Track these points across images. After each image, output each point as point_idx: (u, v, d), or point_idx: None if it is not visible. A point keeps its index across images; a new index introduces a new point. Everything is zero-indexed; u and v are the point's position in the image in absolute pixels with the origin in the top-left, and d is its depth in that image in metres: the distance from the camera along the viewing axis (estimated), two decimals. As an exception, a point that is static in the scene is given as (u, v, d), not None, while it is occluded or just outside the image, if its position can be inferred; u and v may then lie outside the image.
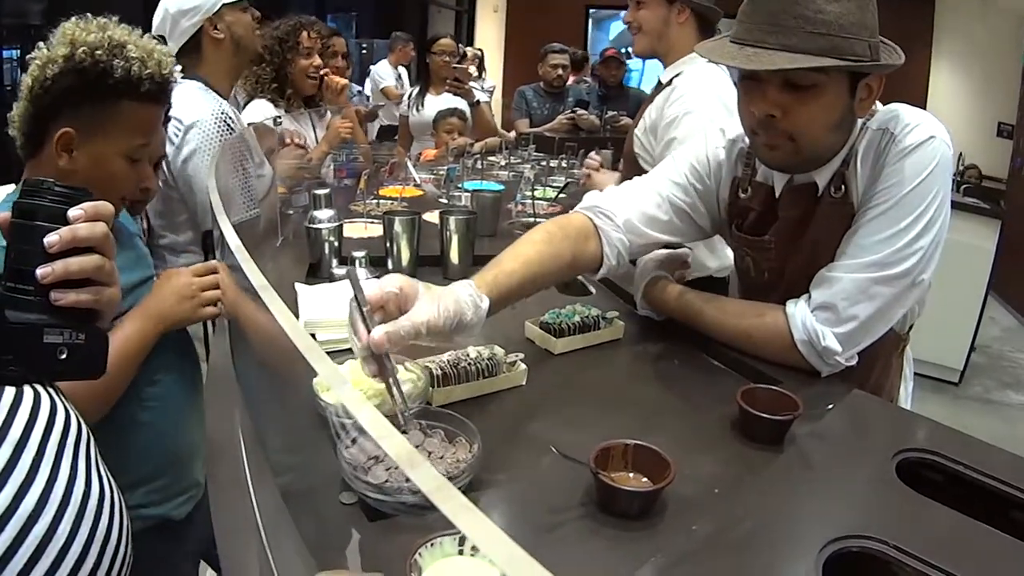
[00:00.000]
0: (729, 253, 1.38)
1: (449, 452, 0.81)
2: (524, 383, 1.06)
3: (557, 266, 1.07)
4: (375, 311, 0.79)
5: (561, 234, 1.11)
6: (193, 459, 1.22)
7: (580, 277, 1.36)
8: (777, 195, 1.14)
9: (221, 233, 0.77)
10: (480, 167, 2.73)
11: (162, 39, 1.74)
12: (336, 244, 1.54)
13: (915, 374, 1.30)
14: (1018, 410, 3.68)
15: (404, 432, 0.80)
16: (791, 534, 0.74)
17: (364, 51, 7.16)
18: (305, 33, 2.41)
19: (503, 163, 3.06)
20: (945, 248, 1.05)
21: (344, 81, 2.66)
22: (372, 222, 1.93)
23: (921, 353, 1.45)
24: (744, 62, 0.98)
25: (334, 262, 1.52)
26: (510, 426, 0.95)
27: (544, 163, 2.91)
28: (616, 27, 8.61)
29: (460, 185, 2.36)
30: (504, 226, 2.00)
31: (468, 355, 1.02)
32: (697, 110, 1.61)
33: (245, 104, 2.43)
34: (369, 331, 0.75)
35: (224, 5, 1.79)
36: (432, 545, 0.64)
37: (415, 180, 2.54)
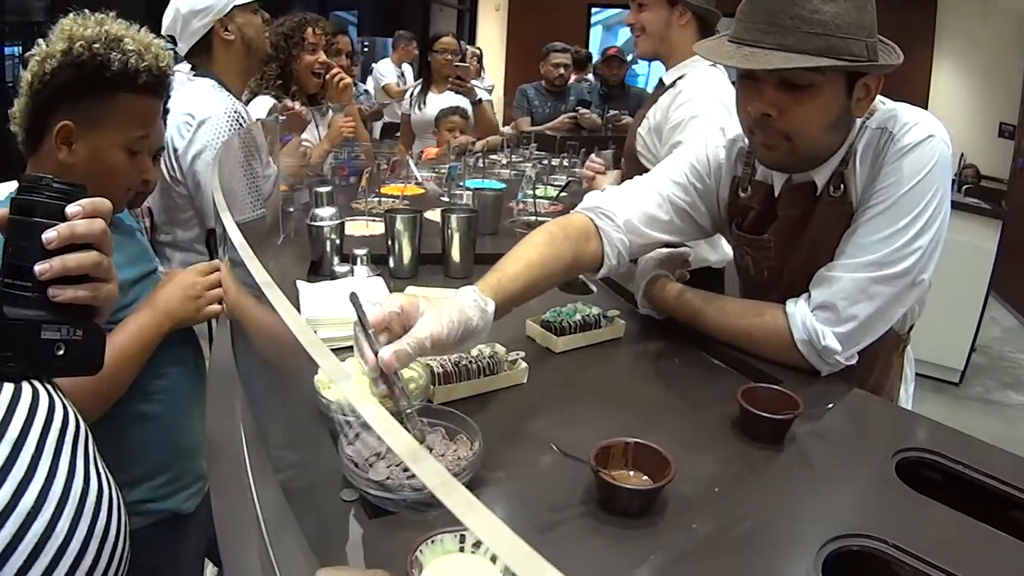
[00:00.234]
0: (729, 247, 1.38)
1: (450, 450, 0.82)
2: (525, 381, 1.06)
3: (559, 267, 1.08)
4: (380, 332, 0.80)
5: (562, 235, 1.11)
6: (199, 451, 1.22)
7: (581, 276, 1.36)
8: (776, 194, 1.14)
9: (224, 230, 0.77)
10: (482, 165, 2.73)
11: (172, 39, 1.74)
12: (338, 242, 1.54)
13: (916, 374, 1.30)
14: (1018, 410, 3.68)
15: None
16: (791, 533, 0.74)
17: (366, 49, 7.15)
18: (310, 29, 2.40)
19: (504, 161, 3.06)
20: (946, 248, 1.05)
21: (349, 79, 2.66)
22: (373, 220, 1.93)
23: (922, 353, 1.45)
24: (741, 61, 0.98)
25: (335, 260, 1.52)
26: (511, 424, 0.95)
27: (546, 162, 2.91)
28: (624, 33, 8.61)
29: (461, 183, 2.36)
30: (505, 225, 2.00)
31: (469, 353, 1.03)
32: (703, 114, 1.62)
33: (248, 100, 2.43)
34: (376, 353, 0.76)
35: (236, 7, 1.78)
36: (433, 542, 0.64)
37: (416, 178, 2.55)
